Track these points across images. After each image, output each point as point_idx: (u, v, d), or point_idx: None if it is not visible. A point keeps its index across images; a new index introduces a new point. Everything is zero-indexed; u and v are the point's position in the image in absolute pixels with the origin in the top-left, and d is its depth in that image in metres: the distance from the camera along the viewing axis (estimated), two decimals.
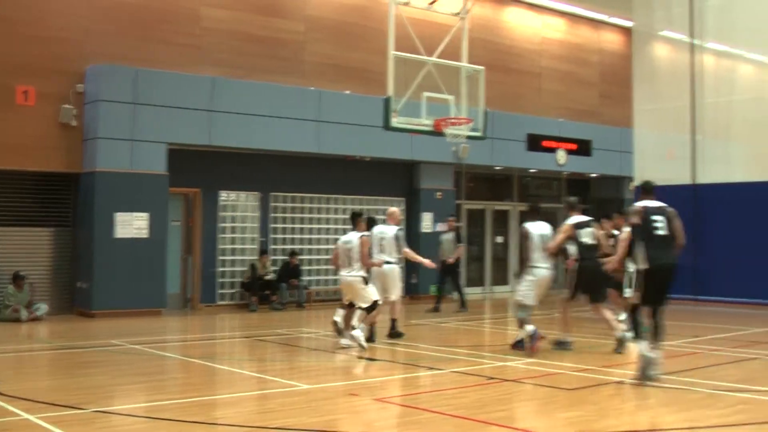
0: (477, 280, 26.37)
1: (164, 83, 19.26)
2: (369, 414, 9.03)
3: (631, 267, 16.09)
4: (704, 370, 11.54)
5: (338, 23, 22.98)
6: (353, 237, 13.69)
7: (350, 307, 13.77)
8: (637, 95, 24.75)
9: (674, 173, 23.38)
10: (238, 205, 21.41)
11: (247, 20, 21.44)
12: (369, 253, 13.85)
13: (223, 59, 20.90)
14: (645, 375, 10.35)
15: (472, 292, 24.47)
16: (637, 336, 11.03)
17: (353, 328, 13.47)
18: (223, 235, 21.10)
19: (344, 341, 13.59)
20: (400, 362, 12.55)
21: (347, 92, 21.99)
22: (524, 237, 13.26)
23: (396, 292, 14.70)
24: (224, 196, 21.13)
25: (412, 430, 8.41)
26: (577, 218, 13.30)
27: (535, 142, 25.53)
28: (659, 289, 10.80)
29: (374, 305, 13.57)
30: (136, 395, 10.17)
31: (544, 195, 27.66)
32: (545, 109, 27.39)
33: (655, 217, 10.94)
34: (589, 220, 13.41)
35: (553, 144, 26.00)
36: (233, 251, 21.21)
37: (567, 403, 9.69)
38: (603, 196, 27.96)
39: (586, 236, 13.12)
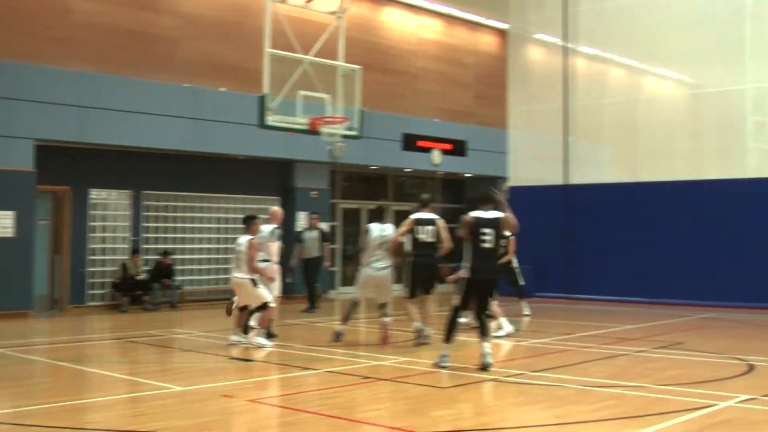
0: (352, 280, 26.28)
1: (32, 77, 18.65)
2: (243, 415, 8.91)
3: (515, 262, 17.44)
4: (575, 367, 11.74)
5: (214, 20, 22.69)
6: (243, 240, 13.76)
7: (242, 309, 13.98)
8: (512, 97, 25.15)
9: (547, 173, 23.86)
10: (109, 204, 20.97)
11: (120, 14, 20.97)
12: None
13: (94, 54, 20.39)
14: (437, 365, 11.38)
15: (346, 292, 24.47)
16: (449, 340, 11.59)
17: (250, 329, 13.82)
18: (94, 235, 20.63)
19: (234, 338, 13.90)
20: (274, 363, 12.43)
21: (222, 89, 21.72)
22: (364, 234, 14.07)
23: (273, 292, 14.61)
24: (95, 194, 20.65)
25: (287, 431, 8.33)
26: (421, 215, 13.66)
27: (410, 142, 25.67)
28: (478, 297, 11.54)
29: (264, 306, 13.61)
30: (1, 401, 9.78)
31: (419, 195, 27.78)
32: (421, 110, 27.58)
33: (484, 230, 11.41)
34: (433, 219, 13.68)
35: (428, 144, 26.19)
36: (104, 251, 20.76)
37: (441, 401, 9.74)
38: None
39: (424, 233, 13.51)
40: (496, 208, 11.71)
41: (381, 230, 14.01)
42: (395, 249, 13.90)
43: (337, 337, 14.20)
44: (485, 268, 11.44)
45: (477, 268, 11.40)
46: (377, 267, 13.89)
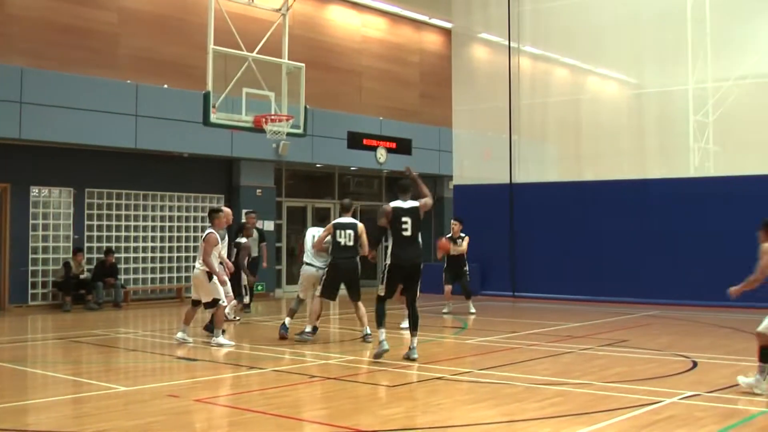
0: (296, 279, 26.17)
1: None
2: (189, 416, 8.81)
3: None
4: (521, 365, 11.80)
5: (155, 15, 22.44)
6: (205, 232, 13.81)
7: (195, 304, 13.93)
8: (456, 95, 25.20)
9: (492, 172, 23.97)
10: (51, 202, 20.66)
11: (57, 8, 20.61)
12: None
13: (31, 48, 20.04)
14: (377, 355, 11.80)
15: (291, 290, 24.40)
16: (381, 325, 11.98)
17: (208, 327, 14.09)
18: (35, 233, 20.30)
19: (180, 335, 13.85)
20: (221, 362, 12.33)
21: (165, 86, 21.51)
22: (302, 238, 14.79)
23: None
24: (36, 192, 20.34)
25: (234, 430, 8.26)
26: (341, 219, 14.16)
27: (355, 140, 25.65)
28: (402, 283, 12.22)
29: (214, 302, 13.57)
30: None
31: (364, 193, 27.83)
32: (366, 108, 27.56)
33: (403, 218, 11.99)
34: (353, 223, 14.11)
35: (373, 142, 26.21)
36: (46, 249, 20.44)
37: (388, 400, 9.76)
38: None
39: (343, 237, 13.88)
40: (415, 198, 12.20)
41: (316, 232, 14.60)
42: (320, 249, 14.28)
43: (284, 329, 14.31)
44: (405, 256, 11.98)
45: (398, 255, 11.98)
46: (313, 265, 14.37)
